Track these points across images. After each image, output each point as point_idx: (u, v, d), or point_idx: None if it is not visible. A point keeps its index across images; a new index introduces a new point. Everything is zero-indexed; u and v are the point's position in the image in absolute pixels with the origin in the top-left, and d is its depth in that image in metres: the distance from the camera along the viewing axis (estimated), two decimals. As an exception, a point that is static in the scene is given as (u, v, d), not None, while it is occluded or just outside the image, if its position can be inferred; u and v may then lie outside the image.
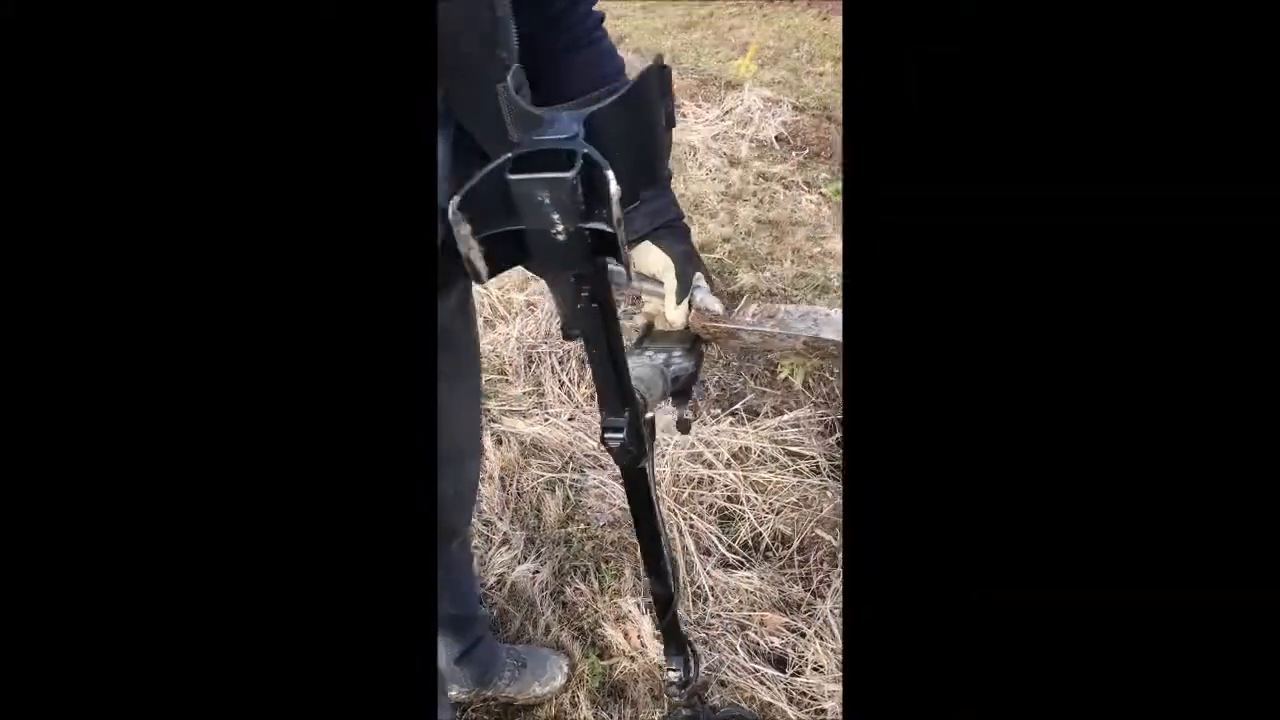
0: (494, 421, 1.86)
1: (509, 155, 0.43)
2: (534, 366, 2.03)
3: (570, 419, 1.88)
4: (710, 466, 1.67)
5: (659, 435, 1.76)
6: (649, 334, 0.82)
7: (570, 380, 1.97)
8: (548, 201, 0.41)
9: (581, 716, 1.28)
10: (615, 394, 0.59)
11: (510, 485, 1.72)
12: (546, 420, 1.87)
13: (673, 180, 1.00)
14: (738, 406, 1.84)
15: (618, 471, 1.74)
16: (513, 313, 2.18)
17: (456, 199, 0.42)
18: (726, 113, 3.30)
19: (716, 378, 1.97)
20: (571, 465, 1.76)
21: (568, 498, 1.69)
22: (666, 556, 0.80)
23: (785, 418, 1.79)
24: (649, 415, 0.69)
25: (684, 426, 0.83)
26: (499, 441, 1.80)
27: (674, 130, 0.50)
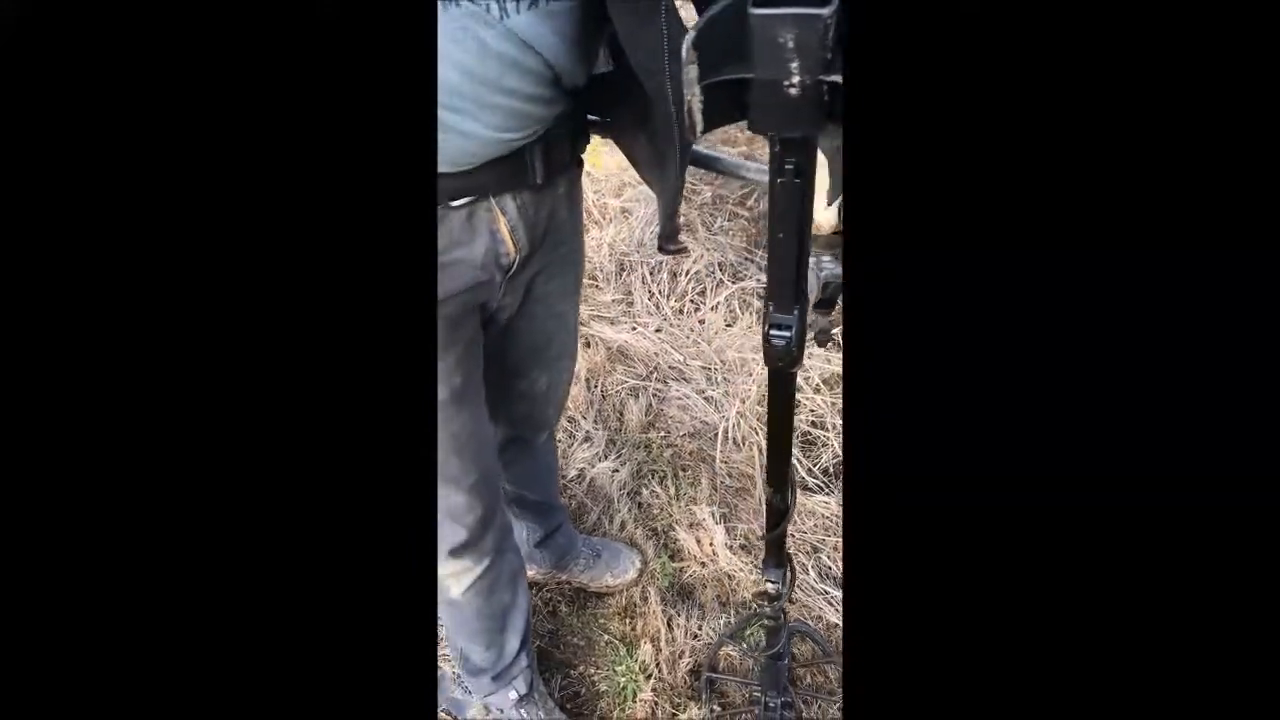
0: (582, 325, 1.87)
1: None
2: (624, 275, 2.02)
3: (657, 330, 1.88)
4: (799, 390, 1.66)
5: (749, 355, 1.75)
6: None
7: (660, 292, 1.97)
8: (791, 45, 0.38)
9: (651, 610, 1.33)
10: (790, 289, 0.55)
11: (595, 387, 1.74)
12: (634, 329, 1.88)
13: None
14: (834, 332, 1.81)
15: (701, 385, 1.75)
16: (607, 218, 2.17)
17: (692, 34, 0.40)
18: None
19: (808, 306, 1.94)
20: (656, 375, 1.77)
21: (650, 405, 1.70)
22: (791, 468, 0.79)
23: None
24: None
25: (824, 339, 0.81)
26: (586, 344, 1.81)
27: None
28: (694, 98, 0.42)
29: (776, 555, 0.90)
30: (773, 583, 0.90)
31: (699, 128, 0.43)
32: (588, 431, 1.65)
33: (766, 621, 1.03)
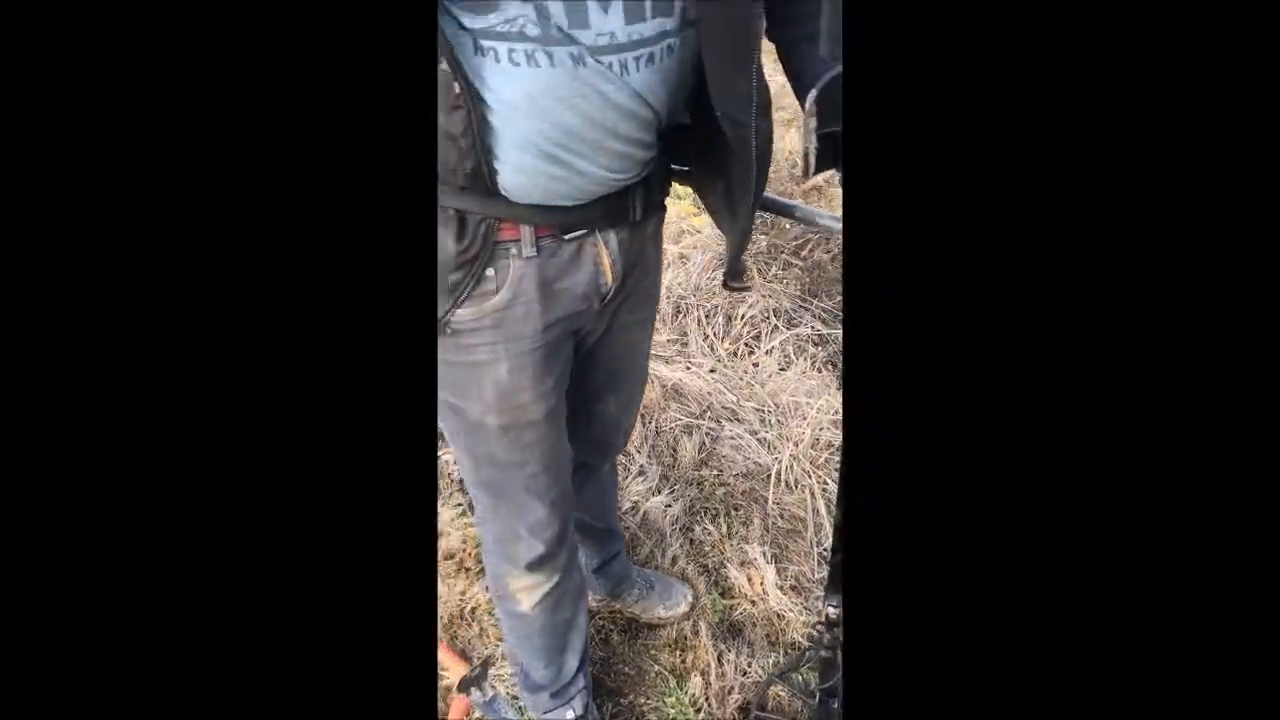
0: (638, 362, 1.93)
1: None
2: (680, 316, 2.08)
3: (711, 371, 1.92)
4: (849, 437, 1.68)
5: (803, 399, 1.78)
6: None
7: (715, 334, 2.02)
8: None
9: (701, 644, 1.34)
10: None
11: (650, 423, 1.79)
12: (689, 368, 1.93)
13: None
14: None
15: (754, 426, 1.78)
16: (666, 263, 2.24)
17: (814, 92, 0.46)
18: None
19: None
20: (709, 414, 1.81)
21: (703, 444, 1.74)
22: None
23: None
24: None
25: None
26: (642, 381, 1.86)
27: None
28: (811, 144, 0.47)
29: (841, 581, 0.91)
30: (834, 608, 0.92)
31: (811, 169, 0.48)
32: (642, 466, 1.69)
33: (823, 652, 1.04)
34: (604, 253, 0.82)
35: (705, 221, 2.35)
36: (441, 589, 1.44)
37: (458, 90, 0.63)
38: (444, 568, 1.48)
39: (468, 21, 0.62)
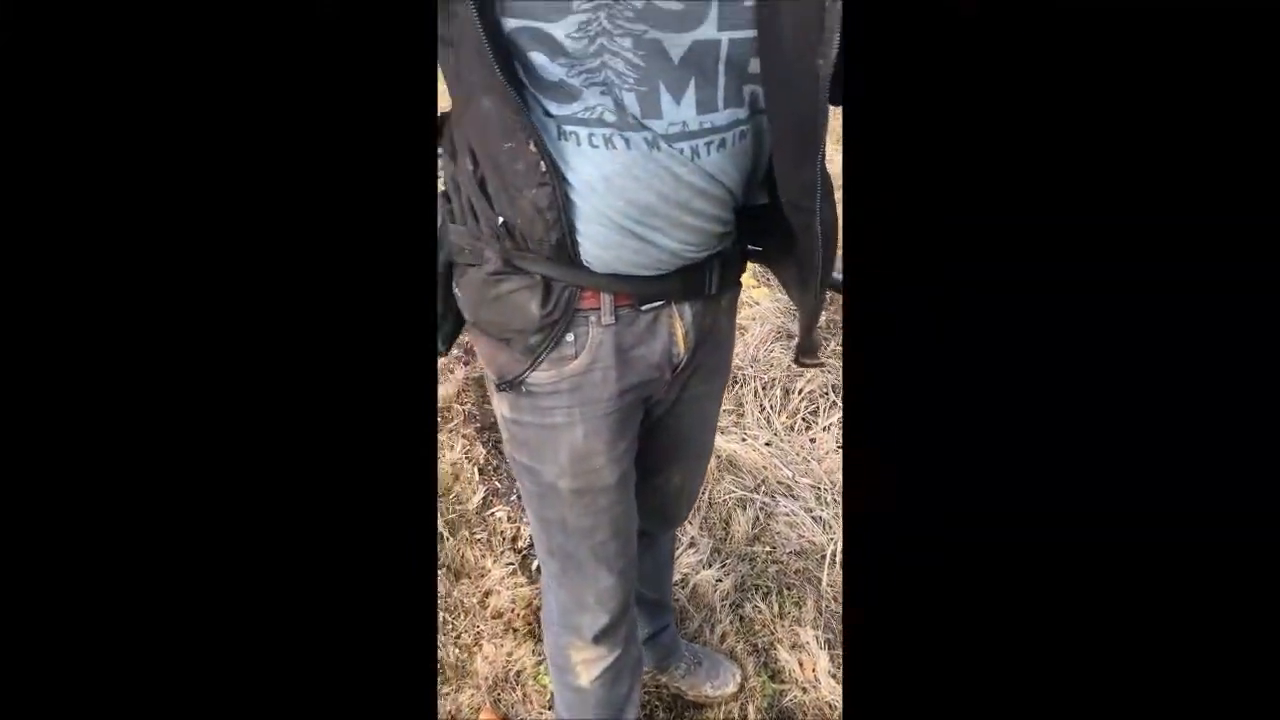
0: (693, 430, 1.92)
1: None
2: (737, 387, 2.08)
3: (767, 444, 1.91)
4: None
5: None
6: None
7: (771, 407, 2.01)
8: None
9: (749, 729, 1.30)
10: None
11: (704, 493, 1.77)
12: (744, 440, 1.92)
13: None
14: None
15: (810, 504, 1.75)
16: (724, 332, 2.25)
17: None
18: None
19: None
20: (764, 489, 1.79)
21: (757, 518, 1.71)
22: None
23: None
24: None
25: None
26: (697, 449, 1.86)
27: None
28: None
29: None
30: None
31: None
32: (693, 537, 1.67)
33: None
34: (678, 323, 0.84)
35: (764, 293, 2.37)
36: (488, 648, 1.43)
37: (543, 169, 0.69)
38: (491, 626, 1.47)
39: (553, 109, 0.69)
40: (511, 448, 0.91)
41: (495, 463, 1.89)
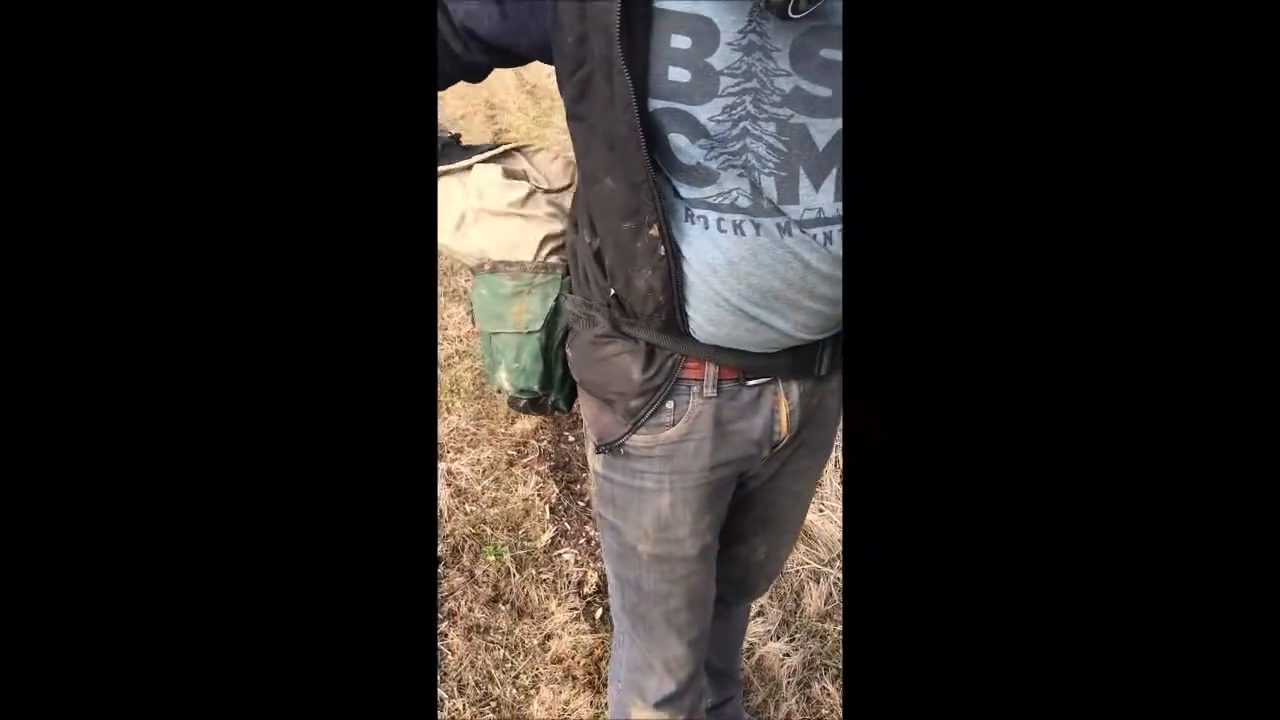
0: (769, 494, 1.88)
1: None
2: (817, 455, 2.04)
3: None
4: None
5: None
6: None
7: (851, 480, 1.95)
8: None
9: (811, 821, 1.23)
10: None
11: (776, 561, 1.72)
12: (820, 510, 1.86)
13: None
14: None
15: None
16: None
17: None
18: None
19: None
20: (839, 563, 1.72)
21: (830, 594, 1.65)
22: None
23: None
24: None
25: None
26: (772, 515, 1.81)
27: None
28: None
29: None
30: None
31: None
32: (762, 606, 1.61)
33: None
34: (783, 402, 0.82)
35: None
36: (545, 693, 1.40)
37: (662, 252, 0.69)
38: (550, 671, 1.45)
39: (685, 192, 0.68)
40: (599, 502, 0.90)
41: (566, 503, 1.88)
